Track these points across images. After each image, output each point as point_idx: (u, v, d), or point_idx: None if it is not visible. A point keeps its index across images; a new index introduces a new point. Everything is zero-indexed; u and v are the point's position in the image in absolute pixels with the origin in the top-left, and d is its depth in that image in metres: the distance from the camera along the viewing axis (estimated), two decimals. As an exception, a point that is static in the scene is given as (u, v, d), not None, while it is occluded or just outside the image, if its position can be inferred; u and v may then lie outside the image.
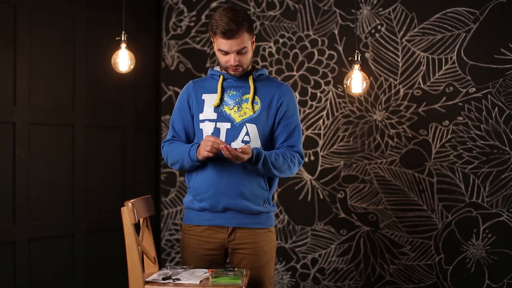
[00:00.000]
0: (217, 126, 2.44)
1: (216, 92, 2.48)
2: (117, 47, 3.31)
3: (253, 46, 2.47)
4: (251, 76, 2.49)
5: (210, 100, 2.48)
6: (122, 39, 3.28)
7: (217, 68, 2.55)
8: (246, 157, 2.30)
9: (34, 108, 3.54)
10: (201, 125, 2.47)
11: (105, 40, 3.78)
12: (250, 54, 2.44)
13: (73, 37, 3.76)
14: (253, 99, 2.46)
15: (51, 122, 3.65)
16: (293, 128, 2.50)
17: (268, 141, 2.49)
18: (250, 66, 2.53)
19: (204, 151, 2.32)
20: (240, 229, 2.46)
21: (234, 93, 2.48)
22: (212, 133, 2.43)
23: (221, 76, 2.49)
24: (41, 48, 3.58)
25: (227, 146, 2.26)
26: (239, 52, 2.38)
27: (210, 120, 2.44)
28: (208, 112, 2.46)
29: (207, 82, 2.54)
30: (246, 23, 2.36)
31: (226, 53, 2.39)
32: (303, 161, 2.54)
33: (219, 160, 2.40)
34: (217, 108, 2.45)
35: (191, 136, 2.53)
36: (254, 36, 2.48)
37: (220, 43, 2.37)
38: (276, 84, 2.53)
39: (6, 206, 3.41)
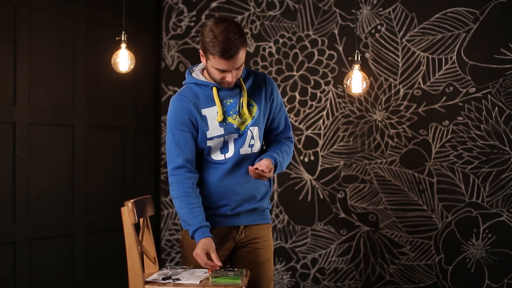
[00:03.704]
0: (225, 139, 2.39)
1: (213, 105, 2.39)
2: (117, 47, 3.31)
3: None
4: (240, 80, 2.42)
5: (211, 114, 2.39)
6: (122, 39, 3.29)
7: (200, 76, 2.44)
8: (270, 170, 2.33)
9: (34, 108, 3.54)
10: (209, 142, 2.40)
11: (105, 40, 3.78)
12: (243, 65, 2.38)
13: (73, 37, 3.75)
14: (249, 103, 2.43)
15: (51, 122, 3.64)
16: (284, 119, 2.54)
17: (264, 134, 2.51)
18: None
19: (198, 259, 2.28)
20: (250, 226, 2.48)
21: (232, 101, 2.41)
22: (220, 148, 2.40)
23: (214, 88, 2.39)
24: (41, 48, 3.58)
25: (253, 168, 2.29)
26: (237, 68, 2.31)
27: (218, 136, 2.39)
28: (214, 128, 2.38)
29: (199, 93, 2.41)
30: (242, 38, 2.25)
31: (223, 71, 2.30)
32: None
33: (224, 169, 2.40)
34: (222, 122, 2.39)
35: (198, 152, 2.44)
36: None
37: (219, 63, 2.26)
38: (259, 78, 2.48)
39: (6, 206, 3.41)
